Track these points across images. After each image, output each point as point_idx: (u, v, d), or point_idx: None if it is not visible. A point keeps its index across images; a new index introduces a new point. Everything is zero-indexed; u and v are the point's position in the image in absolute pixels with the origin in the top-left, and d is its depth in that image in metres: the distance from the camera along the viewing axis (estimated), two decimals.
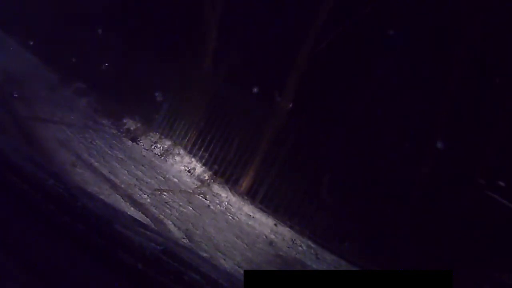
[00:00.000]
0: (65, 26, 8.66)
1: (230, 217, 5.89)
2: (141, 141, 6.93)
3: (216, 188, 6.60)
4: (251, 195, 6.70)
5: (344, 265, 5.90)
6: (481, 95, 6.72)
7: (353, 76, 7.32)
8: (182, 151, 7.07)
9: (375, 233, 6.21)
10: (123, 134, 6.92)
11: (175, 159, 6.83)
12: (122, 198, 4.54)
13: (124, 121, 7.22)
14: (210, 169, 6.90)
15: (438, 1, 7.06)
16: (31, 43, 8.75)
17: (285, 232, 6.20)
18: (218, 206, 6.08)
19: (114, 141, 6.44)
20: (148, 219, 4.34)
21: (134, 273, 1.05)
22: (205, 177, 6.70)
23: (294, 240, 6.10)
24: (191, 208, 5.39)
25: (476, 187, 6.25)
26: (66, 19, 8.76)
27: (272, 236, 5.94)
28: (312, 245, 6.07)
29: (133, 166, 5.76)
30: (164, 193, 5.44)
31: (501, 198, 6.24)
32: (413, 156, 6.70)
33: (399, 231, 6.34)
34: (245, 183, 6.81)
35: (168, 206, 5.07)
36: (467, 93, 6.77)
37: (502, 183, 6.28)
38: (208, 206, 5.93)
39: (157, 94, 7.40)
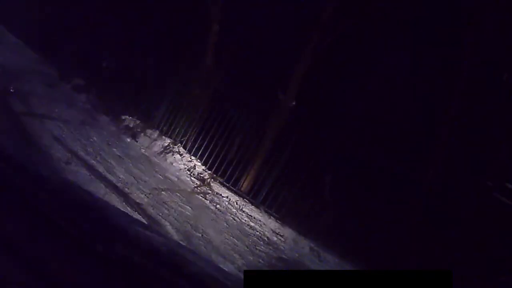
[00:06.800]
0: (65, 22, 8.57)
1: (231, 218, 5.74)
2: (140, 139, 6.79)
3: (216, 187, 6.46)
4: (252, 195, 6.57)
5: (346, 267, 5.77)
6: (489, 94, 6.59)
7: (356, 75, 7.22)
8: (182, 149, 6.94)
9: (377, 234, 6.11)
10: (122, 131, 6.79)
11: (174, 158, 6.69)
12: (119, 197, 4.40)
13: (123, 118, 7.08)
14: (210, 168, 6.77)
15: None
16: (31, 38, 8.65)
17: (287, 233, 6.06)
18: (218, 206, 5.94)
19: (112, 138, 6.31)
20: (145, 220, 4.19)
21: (134, 273, 1.04)
22: (205, 176, 6.56)
23: (296, 241, 5.96)
24: (190, 208, 5.24)
25: (484, 189, 6.13)
26: (67, 16, 8.69)
27: (274, 238, 5.80)
28: (315, 247, 5.93)
29: (131, 164, 5.62)
30: (163, 192, 5.30)
31: (509, 200, 6.14)
32: (417, 156, 6.58)
33: (401, 231, 6.24)
34: (246, 183, 6.68)
35: (166, 206, 4.93)
36: (474, 92, 6.64)
37: (510, 186, 6.17)
38: (208, 206, 5.78)
39: (156, 90, 7.27)
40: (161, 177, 5.83)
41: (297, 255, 5.68)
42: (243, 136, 6.80)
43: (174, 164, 6.56)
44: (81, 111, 6.80)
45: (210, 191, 6.28)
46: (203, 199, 5.92)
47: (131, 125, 7.00)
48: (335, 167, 6.40)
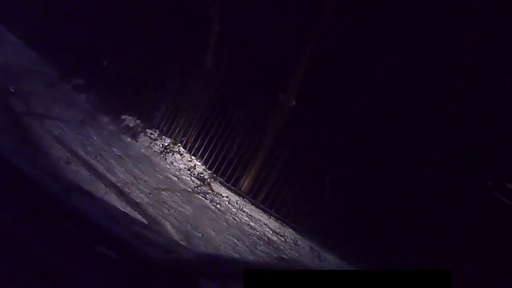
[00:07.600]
0: (65, 23, 8.57)
1: (231, 218, 5.74)
2: (140, 138, 6.79)
3: (216, 187, 6.45)
4: (252, 195, 6.57)
5: (346, 267, 5.76)
6: (489, 95, 6.59)
7: (356, 75, 7.21)
8: (182, 149, 6.94)
9: (377, 234, 6.11)
10: (122, 131, 6.78)
11: (174, 157, 6.69)
12: (119, 197, 4.40)
13: (123, 117, 7.08)
14: (210, 168, 6.76)
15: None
16: (31, 38, 8.65)
17: (287, 233, 6.06)
18: (219, 206, 5.93)
19: (112, 138, 6.30)
20: (145, 220, 4.19)
21: (134, 273, 1.04)
22: (205, 176, 6.56)
23: (297, 241, 5.96)
24: (190, 208, 5.24)
25: (484, 189, 6.13)
26: (67, 16, 8.69)
27: (274, 238, 5.79)
28: (315, 247, 5.93)
29: (131, 164, 5.61)
30: (163, 192, 5.30)
31: (509, 200, 6.14)
32: (418, 157, 6.58)
33: (401, 231, 6.24)
34: (246, 183, 6.68)
35: (166, 205, 4.93)
36: (474, 93, 6.64)
37: (510, 185, 6.18)
38: (208, 206, 5.78)
39: (157, 90, 7.27)
40: (161, 177, 5.83)
41: (297, 255, 5.68)
42: (243, 136, 6.79)
43: (174, 164, 6.56)
44: (81, 111, 6.79)
45: (210, 191, 6.27)
46: (203, 199, 5.92)
47: (131, 125, 7.00)
48: (335, 167, 6.40)
